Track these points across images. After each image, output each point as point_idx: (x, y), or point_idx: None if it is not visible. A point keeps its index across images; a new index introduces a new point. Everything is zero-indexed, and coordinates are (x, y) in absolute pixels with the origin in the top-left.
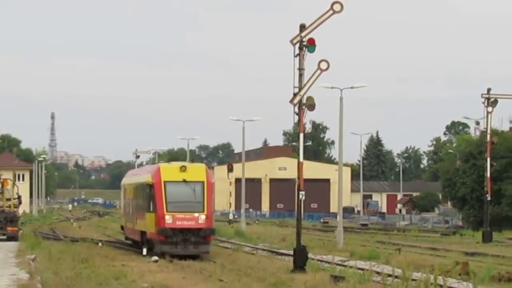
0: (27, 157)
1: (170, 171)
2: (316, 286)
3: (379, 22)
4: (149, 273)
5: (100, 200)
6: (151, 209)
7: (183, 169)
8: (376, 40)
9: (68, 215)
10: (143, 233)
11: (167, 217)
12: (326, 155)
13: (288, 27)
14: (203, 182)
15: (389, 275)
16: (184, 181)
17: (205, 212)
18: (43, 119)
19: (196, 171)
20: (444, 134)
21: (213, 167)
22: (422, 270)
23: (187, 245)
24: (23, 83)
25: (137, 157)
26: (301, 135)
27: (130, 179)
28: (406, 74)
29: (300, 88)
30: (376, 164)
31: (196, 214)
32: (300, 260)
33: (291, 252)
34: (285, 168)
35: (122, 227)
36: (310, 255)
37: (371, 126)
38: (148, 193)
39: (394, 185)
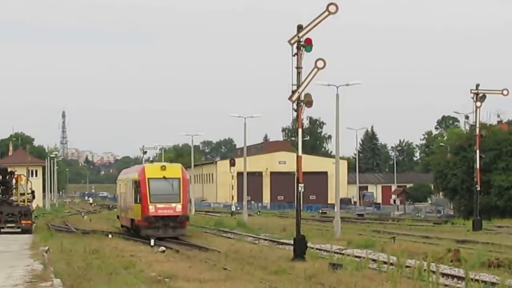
0: (40, 154)
1: (152, 170)
2: (315, 273)
3: (373, 20)
4: (156, 263)
5: (106, 194)
6: (138, 200)
7: (163, 168)
8: (370, 37)
9: (78, 208)
10: (132, 221)
11: (150, 207)
12: (323, 149)
13: (284, 27)
14: (179, 178)
15: (385, 263)
16: (164, 178)
17: (181, 203)
18: (55, 118)
19: (174, 169)
20: (436, 128)
21: (216, 162)
22: (415, 257)
23: (167, 229)
24: (35, 84)
25: (144, 152)
26: (300, 131)
27: (123, 176)
28: (400, 71)
29: (298, 86)
30: (371, 157)
31: (174, 204)
32: (299, 249)
33: (291, 242)
34: (284, 162)
35: (117, 217)
36: (309, 244)
37: (366, 121)
38: (136, 188)
39: (389, 177)
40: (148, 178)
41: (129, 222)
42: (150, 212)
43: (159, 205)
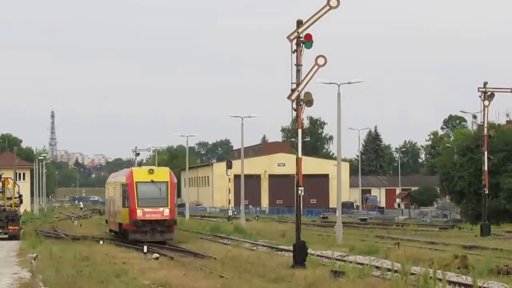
0: (28, 156)
1: (140, 173)
2: (316, 281)
3: (374, 18)
4: (150, 270)
5: (97, 198)
6: (126, 204)
7: (151, 171)
8: (372, 35)
9: (68, 213)
10: (120, 225)
11: (138, 211)
12: (324, 151)
13: (286, 23)
14: (167, 182)
15: (389, 270)
16: (152, 181)
17: (169, 207)
18: (43, 118)
19: (161, 173)
20: (442, 128)
21: (212, 164)
22: (421, 264)
23: (155, 233)
24: (22, 83)
25: (137, 154)
26: (299, 131)
27: (111, 180)
28: (405, 69)
29: (298, 84)
30: (374, 159)
31: (161, 208)
32: (299, 255)
33: (291, 248)
34: (284, 164)
35: (106, 221)
36: (309, 250)
37: (369, 121)
38: (124, 192)
39: (393, 179)
40: (136, 182)
41: (117, 227)
42: (138, 216)
43: (146, 209)
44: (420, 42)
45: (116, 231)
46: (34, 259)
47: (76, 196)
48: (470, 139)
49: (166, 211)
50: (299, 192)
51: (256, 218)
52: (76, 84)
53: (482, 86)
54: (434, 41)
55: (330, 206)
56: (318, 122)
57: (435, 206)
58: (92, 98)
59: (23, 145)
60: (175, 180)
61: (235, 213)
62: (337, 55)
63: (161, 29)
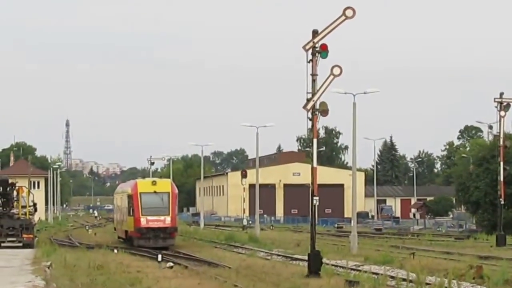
0: (42, 165)
1: (144, 185)
2: None
3: (391, 26)
4: (164, 279)
5: (111, 207)
6: (131, 213)
7: (154, 183)
8: (388, 44)
9: (82, 222)
10: (126, 232)
11: (142, 219)
12: (339, 160)
13: (301, 32)
14: (168, 192)
15: (404, 280)
16: (155, 192)
17: (170, 215)
18: (58, 127)
19: (164, 184)
20: (458, 138)
21: (227, 173)
22: (436, 274)
23: (157, 239)
24: (37, 90)
25: (152, 163)
26: (315, 141)
27: (119, 190)
28: (420, 79)
29: (313, 94)
30: (390, 169)
31: (163, 217)
32: (314, 265)
33: (306, 257)
34: (299, 173)
35: (115, 229)
36: (324, 260)
37: (385, 131)
38: (129, 202)
39: (408, 189)
40: (140, 193)
41: (124, 234)
42: (142, 224)
43: (150, 218)
44: (436, 50)
45: (123, 238)
46: (48, 268)
47: (91, 205)
48: (486, 150)
49: (168, 219)
50: (314, 201)
51: (271, 227)
52: (91, 92)
53: (498, 96)
54: (450, 49)
55: (345, 216)
56: (333, 131)
57: (451, 216)
58: (107, 106)
59: (38, 153)
60: (177, 191)
61: (250, 222)
62: (350, 64)
63: (173, 37)
